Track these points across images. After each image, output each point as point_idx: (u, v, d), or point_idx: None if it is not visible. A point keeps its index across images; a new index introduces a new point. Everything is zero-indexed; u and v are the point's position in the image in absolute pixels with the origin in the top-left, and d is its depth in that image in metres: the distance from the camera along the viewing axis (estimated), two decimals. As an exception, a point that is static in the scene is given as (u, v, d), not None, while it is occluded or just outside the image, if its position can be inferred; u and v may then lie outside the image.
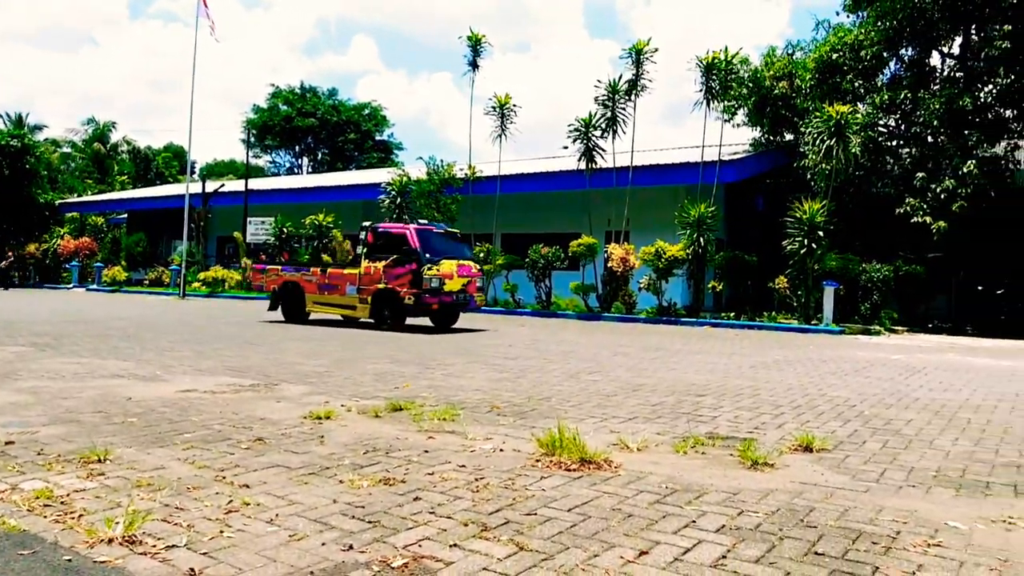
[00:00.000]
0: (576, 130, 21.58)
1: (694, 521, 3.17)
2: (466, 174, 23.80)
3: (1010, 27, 18.21)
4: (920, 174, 18.63)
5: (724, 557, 2.77)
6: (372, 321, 13.96)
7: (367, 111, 60.08)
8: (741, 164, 22.01)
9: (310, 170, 60.19)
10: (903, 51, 20.89)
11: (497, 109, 23.61)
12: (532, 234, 23.88)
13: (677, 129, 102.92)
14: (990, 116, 19.31)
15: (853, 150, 18.00)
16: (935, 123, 18.77)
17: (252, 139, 54.42)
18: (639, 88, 21.37)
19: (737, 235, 23.03)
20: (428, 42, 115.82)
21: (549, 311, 20.95)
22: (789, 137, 22.61)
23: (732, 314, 18.91)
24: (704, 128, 21.03)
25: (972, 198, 17.82)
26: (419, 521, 3.07)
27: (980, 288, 20.20)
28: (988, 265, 20.22)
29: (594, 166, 21.60)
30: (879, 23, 19.73)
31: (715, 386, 7.38)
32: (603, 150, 21.68)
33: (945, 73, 20.64)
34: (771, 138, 23.16)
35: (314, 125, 57.37)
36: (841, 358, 10.91)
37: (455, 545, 2.80)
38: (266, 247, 30.24)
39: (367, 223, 14.91)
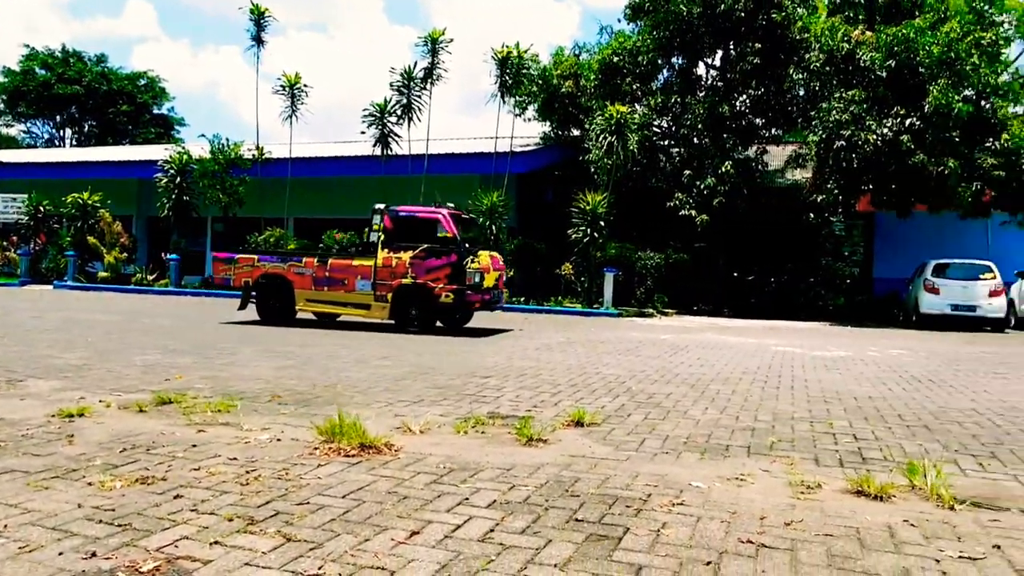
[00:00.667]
0: (371, 115, 21.29)
1: (467, 499, 3.27)
2: (254, 155, 22.56)
3: (760, 45, 20.61)
4: (687, 172, 20.54)
5: (492, 531, 2.88)
6: (392, 323, 11.97)
7: (143, 82, 54.71)
8: (531, 156, 22.97)
9: (74, 143, 53.75)
10: (674, 59, 22.85)
11: (287, 89, 22.64)
12: (327, 219, 23.25)
13: (474, 119, 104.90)
14: (744, 122, 21.76)
15: (631, 147, 19.45)
16: (700, 126, 20.78)
17: (1, 106, 47.50)
18: (435, 77, 21.52)
19: (528, 224, 24.00)
20: (214, 11, 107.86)
21: (344, 298, 20.49)
22: (576, 133, 23.91)
23: (523, 299, 19.70)
24: (497, 120, 21.71)
25: (729, 194, 19.99)
26: (178, 520, 2.87)
27: (736, 275, 22.76)
28: (742, 254, 22.85)
29: (390, 152, 21.44)
30: (654, 32, 21.42)
31: (500, 368, 7.65)
32: (399, 136, 21.59)
33: (709, 82, 22.90)
34: (559, 133, 24.36)
35: (79, 93, 51.18)
36: (617, 339, 11.78)
37: (216, 542, 2.65)
38: (17, 227, 26.65)
39: (381, 205, 12.31)
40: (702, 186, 20.02)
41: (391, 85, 21.43)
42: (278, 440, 4.25)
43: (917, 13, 18.87)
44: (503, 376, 7.07)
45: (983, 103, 18.06)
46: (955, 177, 17.02)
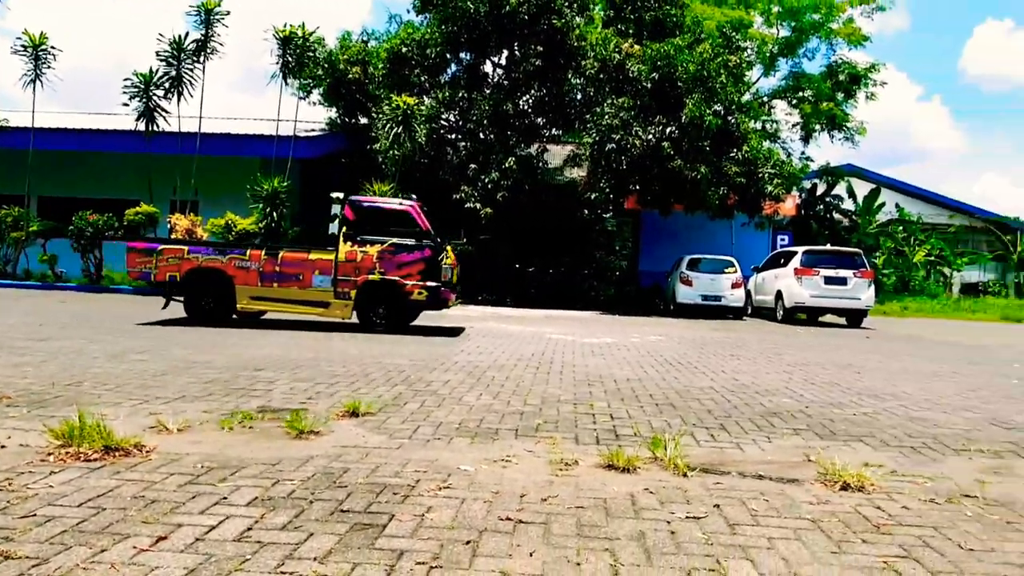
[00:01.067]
0: (135, 86, 19.38)
1: (226, 498, 3.10)
2: (-15, 121, 19.59)
3: (542, 49, 21.60)
4: (473, 166, 21.03)
5: (250, 529, 2.76)
6: (353, 323, 11.05)
7: None
8: (317, 142, 22.26)
9: None
10: (462, 55, 23.24)
11: (30, 49, 19.88)
12: (79, 199, 20.84)
13: (259, 99, 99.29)
14: (527, 121, 22.70)
15: (419, 139, 19.52)
16: (485, 122, 21.36)
17: None
18: (209, 50, 20.05)
19: (313, 211, 23.19)
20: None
21: (100, 286, 18.50)
22: (364, 121, 23.50)
23: (307, 290, 19.05)
24: (280, 102, 20.79)
25: (512, 189, 20.78)
26: None
27: (518, 266, 23.73)
28: (525, 247, 23.87)
29: (156, 128, 19.65)
30: (442, 26, 21.62)
31: (275, 360, 7.34)
32: (167, 112, 19.85)
33: (495, 80, 23.58)
34: (346, 120, 23.81)
35: None
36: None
37: (-91, 568, 2.28)
38: None
39: (339, 194, 11.19)
40: (487, 180, 20.60)
41: (158, 55, 19.63)
42: (2, 447, 3.74)
43: (678, 33, 20.86)
44: (278, 368, 6.79)
45: (729, 118, 20.38)
46: (706, 182, 19.08)
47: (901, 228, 31.42)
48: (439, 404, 5.44)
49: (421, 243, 10.99)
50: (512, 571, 2.50)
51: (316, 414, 4.82)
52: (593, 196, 20.63)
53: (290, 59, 20.47)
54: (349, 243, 10.97)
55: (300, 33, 20.46)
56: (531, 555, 2.65)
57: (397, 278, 10.90)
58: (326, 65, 22.01)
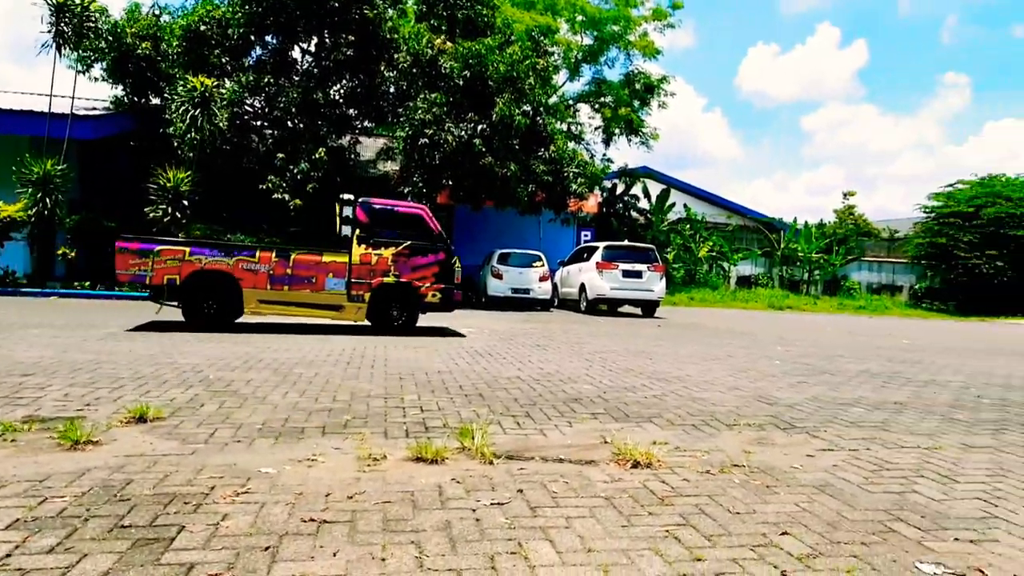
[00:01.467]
0: None
1: (-21, 521, 2.73)
2: None
3: (354, 38, 21.10)
4: (280, 155, 20.11)
5: (10, 555, 2.46)
6: (367, 324, 11.12)
7: None
8: (100, 122, 20.16)
9: None
10: (268, 38, 22.09)
11: None
12: None
13: (31, 73, 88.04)
14: (338, 112, 22.08)
15: (220, 124, 18.31)
16: (294, 111, 20.50)
17: None
18: (-37, 10, 17.41)
19: (96, 197, 21.03)
20: None
21: None
22: (156, 101, 21.63)
23: (88, 283, 17.23)
24: (53, 76, 18.53)
25: (323, 181, 20.14)
26: None
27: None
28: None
29: None
30: (246, 6, 20.41)
31: (48, 363, 6.56)
32: (-92, 78, 17.01)
33: (304, 67, 22.67)
34: (135, 99, 21.77)
35: None
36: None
37: None
38: None
39: (348, 195, 10.99)
40: (296, 171, 19.80)
41: None
42: None
43: (489, 33, 21.26)
44: (49, 372, 6.07)
45: (537, 118, 21.16)
46: (515, 179, 19.68)
47: (688, 226, 34.38)
48: (240, 404, 5.15)
49: (435, 246, 11.25)
50: (313, 574, 2.44)
51: (95, 422, 4.38)
52: (406, 190, 20.52)
53: (66, 28, 18.32)
54: (363, 246, 10.97)
55: (78, 0, 18.38)
56: (335, 555, 2.60)
57: (412, 280, 11.12)
58: (110, 38, 19.95)
